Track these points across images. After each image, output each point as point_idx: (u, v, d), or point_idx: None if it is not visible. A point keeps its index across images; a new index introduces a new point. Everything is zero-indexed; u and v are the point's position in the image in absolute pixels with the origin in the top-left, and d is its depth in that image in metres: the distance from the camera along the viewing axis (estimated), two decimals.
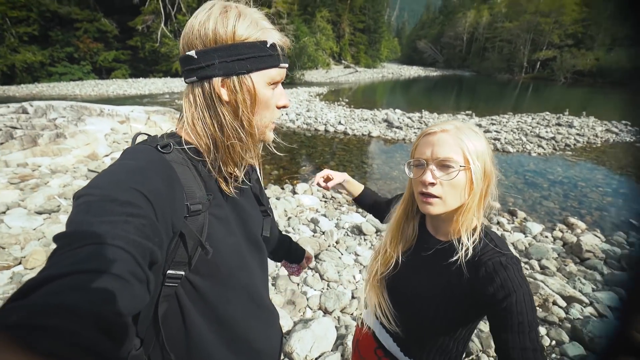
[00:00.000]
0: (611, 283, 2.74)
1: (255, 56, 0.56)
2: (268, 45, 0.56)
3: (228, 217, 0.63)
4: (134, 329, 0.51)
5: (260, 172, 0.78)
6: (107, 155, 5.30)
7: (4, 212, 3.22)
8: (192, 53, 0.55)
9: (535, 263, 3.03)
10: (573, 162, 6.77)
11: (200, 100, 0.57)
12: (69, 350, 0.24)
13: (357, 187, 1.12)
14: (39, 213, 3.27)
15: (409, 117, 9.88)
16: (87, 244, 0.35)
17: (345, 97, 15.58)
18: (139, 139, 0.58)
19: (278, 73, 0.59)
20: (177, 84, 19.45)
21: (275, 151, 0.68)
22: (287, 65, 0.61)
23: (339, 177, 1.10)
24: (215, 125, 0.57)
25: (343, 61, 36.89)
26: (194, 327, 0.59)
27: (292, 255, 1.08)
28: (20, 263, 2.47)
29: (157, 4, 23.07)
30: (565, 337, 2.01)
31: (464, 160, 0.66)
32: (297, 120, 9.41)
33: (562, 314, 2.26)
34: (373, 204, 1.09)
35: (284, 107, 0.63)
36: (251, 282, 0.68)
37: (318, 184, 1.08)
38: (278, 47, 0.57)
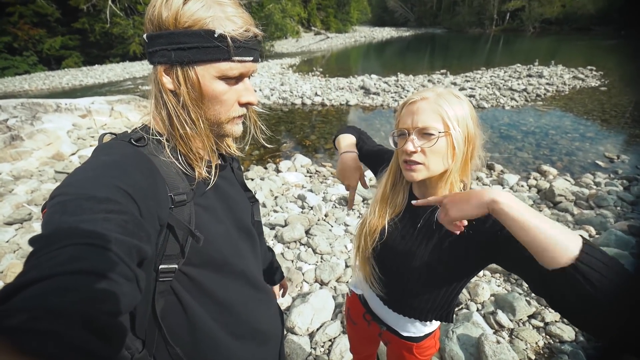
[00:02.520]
0: (580, 222, 2.97)
1: (199, 47, 0.50)
2: (216, 36, 0.49)
3: (214, 206, 0.62)
4: (127, 328, 0.50)
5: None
6: (74, 154, 4.96)
7: None
8: (144, 36, 0.53)
9: None
10: (544, 112, 7.01)
11: (152, 87, 0.55)
12: (59, 352, 0.23)
13: (353, 143, 1.00)
14: (9, 224, 3.08)
15: (385, 82, 9.75)
16: (66, 245, 0.32)
17: (319, 66, 15.05)
18: (106, 139, 0.55)
19: (231, 67, 0.53)
20: (138, 68, 18.05)
21: (265, 143, 0.67)
22: (248, 58, 0.54)
23: (359, 172, 0.96)
24: (164, 114, 0.55)
25: (313, 28, 35.17)
26: (196, 317, 0.59)
27: (269, 274, 1.00)
28: None
29: None
30: None
31: (443, 126, 0.67)
32: (272, 95, 9.08)
33: None
34: (360, 149, 1.01)
35: (249, 104, 0.58)
36: (246, 267, 0.68)
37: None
38: (229, 39, 0.50)
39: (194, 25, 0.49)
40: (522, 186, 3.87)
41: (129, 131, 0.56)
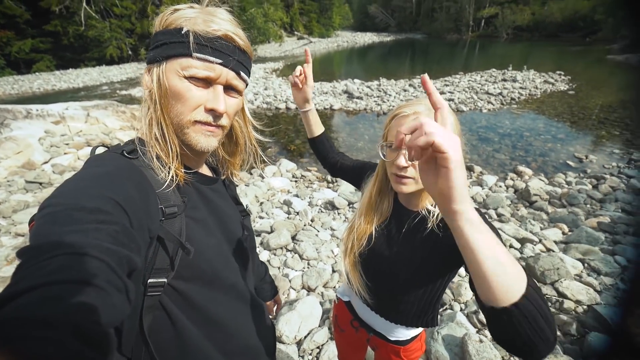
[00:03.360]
0: (554, 220, 3.12)
1: (167, 42, 0.52)
2: (182, 32, 0.51)
3: (206, 219, 0.62)
4: (116, 342, 0.49)
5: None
6: (46, 162, 4.72)
7: None
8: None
9: (492, 212, 3.33)
10: (518, 115, 7.34)
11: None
12: (59, 357, 0.23)
13: (317, 127, 1.04)
14: None
15: (368, 86, 9.91)
16: (56, 255, 0.32)
17: None
18: (99, 151, 0.55)
19: (190, 64, 0.52)
20: (115, 72, 17.47)
21: (263, 173, 0.68)
22: (213, 59, 0.53)
23: (309, 92, 0.94)
24: (144, 116, 0.55)
25: (296, 32, 35.30)
26: (185, 334, 0.58)
27: (262, 289, 0.97)
28: None
29: None
30: None
31: None
32: (255, 100, 9.02)
33: (518, 255, 2.55)
34: (331, 159, 1.05)
35: (212, 110, 0.55)
36: (237, 281, 0.68)
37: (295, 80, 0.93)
38: (191, 35, 0.51)
39: (170, 25, 0.53)
40: (500, 187, 4.02)
41: (122, 143, 0.56)
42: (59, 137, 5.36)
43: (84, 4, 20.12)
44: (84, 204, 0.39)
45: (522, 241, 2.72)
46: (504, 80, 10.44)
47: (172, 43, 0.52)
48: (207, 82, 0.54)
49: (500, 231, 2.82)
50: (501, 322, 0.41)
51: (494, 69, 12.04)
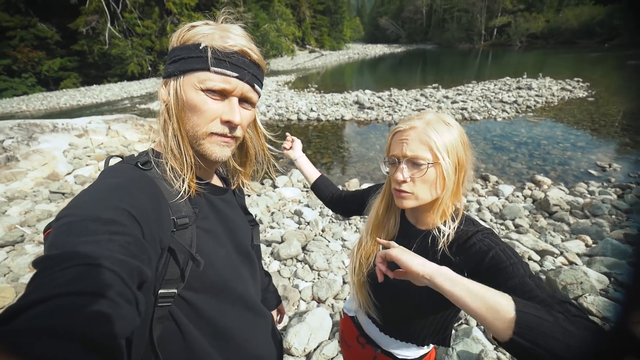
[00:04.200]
0: (577, 231, 2.98)
1: (185, 57, 0.54)
2: (200, 48, 0.53)
3: (216, 229, 0.63)
4: (126, 353, 0.49)
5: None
6: (69, 174, 4.94)
7: None
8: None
9: (509, 223, 3.22)
10: (535, 123, 7.15)
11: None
12: None
13: (311, 173, 1.12)
14: (1, 246, 3.03)
15: (379, 97, 9.95)
16: (70, 266, 0.33)
17: (314, 82, 15.36)
18: (112, 162, 0.57)
19: (209, 78, 0.54)
20: (136, 88, 18.29)
21: (277, 182, 0.70)
22: (230, 73, 0.55)
23: (297, 148, 1.12)
24: (161, 128, 0.57)
25: (307, 46, 36.13)
26: (194, 344, 0.58)
27: (266, 299, 0.96)
28: None
29: (99, 2, 21.17)
30: None
31: (432, 156, 0.66)
32: (267, 112, 9.20)
33: (537, 268, 2.43)
34: (332, 197, 1.08)
35: (228, 122, 0.57)
36: (245, 291, 0.68)
37: (284, 148, 1.11)
38: (210, 50, 0.53)
39: (187, 41, 0.55)
40: (517, 196, 3.89)
41: (136, 154, 0.58)
42: (81, 150, 5.62)
43: (109, 25, 21.40)
44: (98, 214, 0.40)
45: (542, 253, 2.60)
46: (519, 88, 10.26)
47: (190, 58, 0.54)
48: (222, 95, 0.56)
49: (518, 242, 2.71)
50: (512, 352, 0.45)
51: (507, 77, 11.86)
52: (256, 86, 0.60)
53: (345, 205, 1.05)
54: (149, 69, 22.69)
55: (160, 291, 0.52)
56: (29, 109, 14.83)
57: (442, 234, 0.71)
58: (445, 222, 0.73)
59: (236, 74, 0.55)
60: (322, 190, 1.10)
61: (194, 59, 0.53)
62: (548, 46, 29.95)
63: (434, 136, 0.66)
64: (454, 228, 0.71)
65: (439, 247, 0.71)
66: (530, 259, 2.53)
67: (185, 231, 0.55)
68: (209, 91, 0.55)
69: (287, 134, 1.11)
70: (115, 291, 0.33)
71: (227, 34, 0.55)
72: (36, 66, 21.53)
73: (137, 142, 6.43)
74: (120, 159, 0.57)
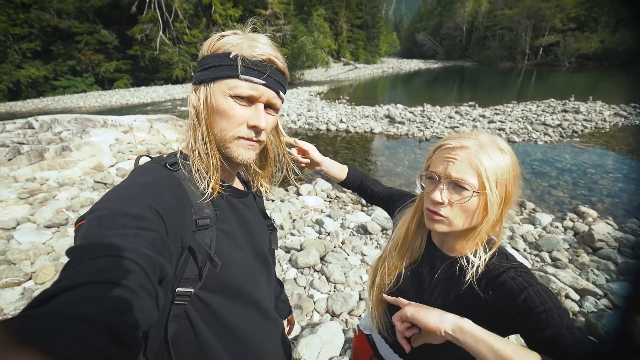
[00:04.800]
0: (625, 273, 2.67)
1: (216, 65, 0.57)
2: (231, 57, 0.56)
3: (235, 232, 0.64)
4: (143, 345, 0.51)
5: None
6: (112, 166, 5.35)
7: (14, 228, 3.27)
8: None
9: (546, 255, 2.97)
10: (581, 149, 6.63)
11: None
12: (83, 354, 0.24)
13: (340, 171, 1.01)
14: (48, 227, 3.32)
15: (411, 112, 9.79)
16: (99, 256, 0.35)
17: (346, 94, 15.50)
18: (142, 161, 0.61)
19: (238, 85, 0.56)
20: (179, 91, 19.59)
21: (297, 183, 0.72)
22: (257, 80, 0.57)
23: (316, 156, 0.92)
24: (189, 131, 0.60)
25: (342, 58, 36.72)
26: (207, 345, 0.59)
27: (276, 306, 0.95)
28: (30, 278, 2.51)
29: (154, 12, 23.23)
30: None
31: (479, 184, 0.59)
32: (298, 120, 9.40)
33: (576, 308, 2.20)
34: (366, 190, 1.04)
35: (254, 127, 0.59)
36: (260, 296, 0.68)
37: (297, 160, 0.93)
38: (239, 59, 0.55)
39: (218, 50, 0.58)
40: (557, 227, 3.59)
41: (165, 155, 0.61)
42: (125, 145, 6.08)
43: (160, 33, 23.32)
44: (128, 210, 0.42)
45: (582, 292, 2.35)
46: (565, 111, 9.60)
47: (220, 66, 0.56)
48: (249, 101, 0.58)
49: (554, 277, 2.48)
50: None
51: (552, 99, 11.17)
52: (280, 93, 0.62)
53: (371, 199, 1.03)
54: (192, 74, 24.25)
55: (177, 289, 0.54)
56: (85, 105, 16.41)
57: (470, 265, 0.65)
58: (475, 251, 0.66)
59: (263, 82, 0.58)
60: (353, 184, 1.05)
61: (224, 67, 0.56)
62: (601, 68, 27.86)
63: (486, 162, 0.59)
64: (485, 260, 0.65)
65: (467, 279, 0.64)
66: (567, 297, 2.30)
67: (206, 232, 0.56)
68: (237, 97, 0.57)
69: (295, 140, 0.87)
70: (139, 283, 0.35)
71: (255, 44, 0.57)
72: (95, 67, 23.96)
73: (175, 141, 6.84)
74: (149, 159, 0.60)
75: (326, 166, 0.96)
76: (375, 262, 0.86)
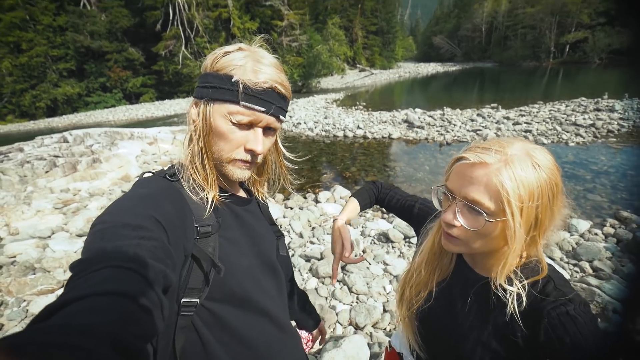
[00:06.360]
0: None
1: (216, 87, 0.56)
2: (232, 81, 0.55)
3: (238, 239, 0.64)
4: (149, 355, 0.49)
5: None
6: (138, 176, 5.58)
7: (50, 237, 3.46)
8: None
9: (586, 265, 2.74)
10: (618, 149, 6.18)
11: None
12: None
13: (354, 209, 0.94)
14: (80, 236, 3.48)
15: (430, 116, 9.57)
16: (101, 268, 0.35)
17: (363, 100, 15.45)
18: (146, 176, 0.62)
19: (238, 111, 0.56)
20: None
21: (294, 192, 0.70)
22: (258, 108, 0.57)
23: (347, 240, 0.84)
24: (186, 142, 0.61)
25: (358, 65, 36.81)
26: (216, 357, 0.58)
27: (304, 318, 0.96)
28: (62, 286, 2.62)
29: (177, 29, 24.45)
30: None
31: (497, 210, 0.51)
32: (315, 127, 9.44)
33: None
34: (383, 201, 0.98)
35: (251, 151, 0.60)
36: (270, 306, 0.66)
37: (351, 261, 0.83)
38: (241, 85, 0.55)
39: (221, 70, 0.57)
40: (596, 234, 3.33)
41: (166, 168, 0.63)
42: (150, 155, 6.33)
43: (183, 48, 24.46)
44: (128, 221, 0.43)
45: None
46: (597, 110, 9.03)
47: (221, 89, 0.56)
48: (249, 125, 0.59)
49: (598, 290, 2.28)
50: None
51: (583, 98, 10.55)
52: (280, 117, 0.62)
53: (389, 209, 0.97)
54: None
55: (183, 300, 0.54)
56: (114, 119, 17.40)
57: (508, 295, 0.56)
58: (516, 274, 0.57)
59: (264, 109, 0.57)
60: (367, 207, 1.00)
61: (225, 90, 0.56)
62: (638, 63, 26.19)
63: (509, 183, 0.50)
64: (527, 287, 0.55)
65: (508, 311, 0.55)
66: (615, 312, 2.09)
67: (208, 239, 0.56)
68: (236, 123, 0.57)
69: (361, 253, 0.87)
70: (143, 293, 0.35)
71: (259, 67, 0.56)
72: (123, 83, 25.43)
73: None
74: (150, 174, 0.61)
75: (350, 234, 0.86)
76: (403, 275, 0.80)
